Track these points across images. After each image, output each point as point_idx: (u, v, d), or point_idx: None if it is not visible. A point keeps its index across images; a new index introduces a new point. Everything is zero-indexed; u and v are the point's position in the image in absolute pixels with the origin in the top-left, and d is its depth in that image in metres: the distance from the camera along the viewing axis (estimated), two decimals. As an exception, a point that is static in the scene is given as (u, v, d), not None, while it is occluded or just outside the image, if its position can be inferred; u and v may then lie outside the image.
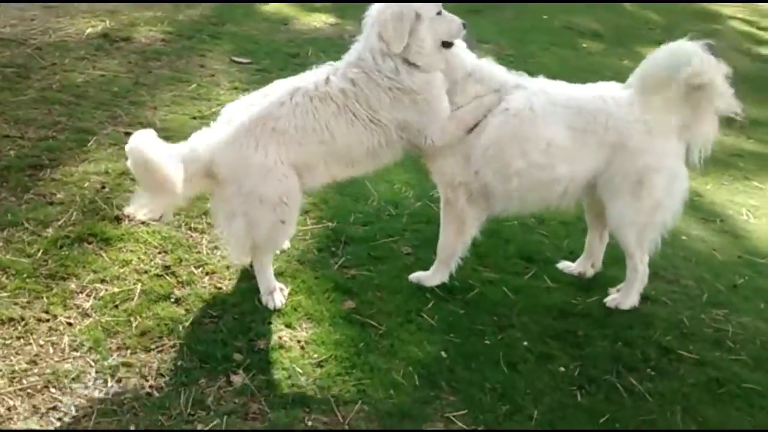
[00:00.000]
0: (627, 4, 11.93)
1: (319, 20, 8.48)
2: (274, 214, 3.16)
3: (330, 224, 4.01)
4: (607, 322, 3.44)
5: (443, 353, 3.10)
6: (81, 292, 3.25)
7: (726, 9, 12.25)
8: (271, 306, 3.25)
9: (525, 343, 3.22)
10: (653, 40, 9.69)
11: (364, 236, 3.93)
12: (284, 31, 7.89)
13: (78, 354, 2.90)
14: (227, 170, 3.14)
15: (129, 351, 2.94)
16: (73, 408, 2.63)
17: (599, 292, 3.66)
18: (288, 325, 3.16)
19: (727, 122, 6.81)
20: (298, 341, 3.08)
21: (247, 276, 3.48)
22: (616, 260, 3.78)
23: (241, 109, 3.26)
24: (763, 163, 5.85)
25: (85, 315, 3.11)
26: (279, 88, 3.33)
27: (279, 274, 3.50)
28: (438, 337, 3.20)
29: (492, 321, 3.36)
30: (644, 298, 3.67)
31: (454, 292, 3.53)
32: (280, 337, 3.07)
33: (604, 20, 9.90)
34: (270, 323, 3.16)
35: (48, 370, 2.77)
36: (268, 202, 3.14)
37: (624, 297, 3.53)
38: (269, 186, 3.14)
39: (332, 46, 7.45)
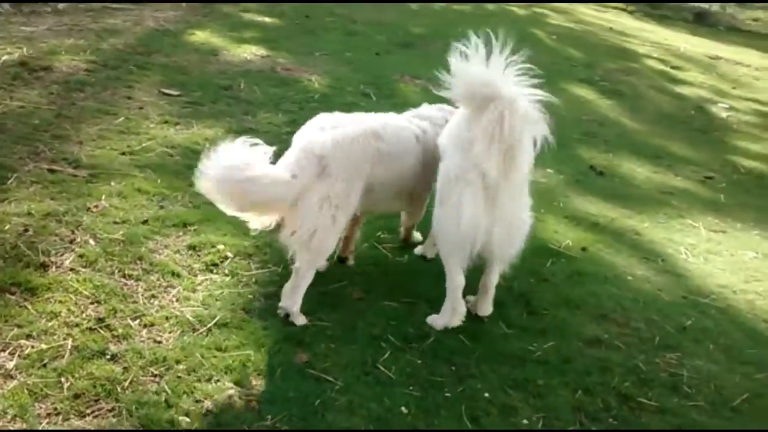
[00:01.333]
0: (547, 40, 12.29)
1: (249, 52, 8.34)
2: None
3: (276, 269, 3.82)
4: (564, 369, 3.37)
5: (404, 408, 2.94)
6: (3, 351, 2.93)
7: (641, 48, 12.81)
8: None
9: (486, 395, 3.10)
10: (576, 77, 10.02)
11: (312, 282, 3.73)
12: (215, 62, 7.69)
13: (0, 424, 2.58)
14: (339, 165, 3.38)
15: (61, 417, 2.65)
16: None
17: (555, 336, 3.60)
18: (237, 383, 2.93)
19: (655, 160, 7.03)
20: (249, 400, 2.85)
21: (190, 328, 3.24)
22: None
23: (346, 119, 3.64)
24: (693, 200, 6.01)
25: (9, 377, 2.80)
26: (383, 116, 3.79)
27: (223, 325, 3.28)
28: (397, 390, 3.04)
29: (451, 371, 3.23)
30: (598, 341, 3.65)
31: (409, 341, 3.39)
32: (229, 397, 2.84)
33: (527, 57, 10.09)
34: (218, 381, 2.93)
35: (-34, 445, 2.46)
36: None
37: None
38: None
39: (265, 80, 7.31)
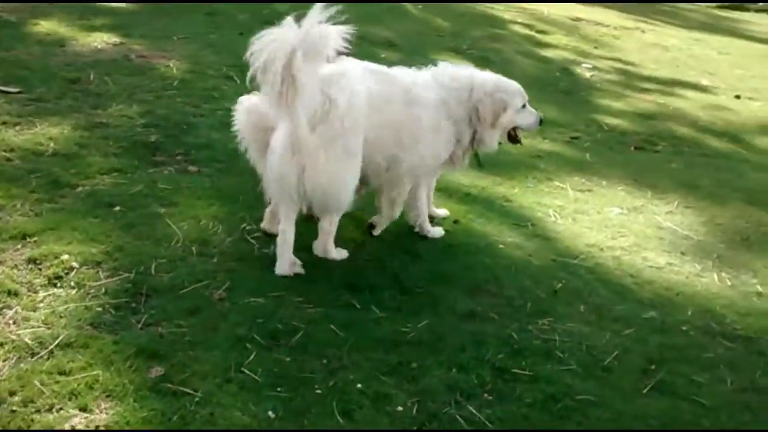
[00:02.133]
0: (414, 11, 12.25)
1: (101, 40, 7.75)
2: None
3: (128, 275, 3.52)
4: (439, 347, 3.29)
5: (271, 413, 2.76)
6: None
7: (506, 14, 13.00)
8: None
9: (359, 385, 2.97)
10: (445, 46, 10.03)
11: (169, 285, 3.49)
12: (61, 54, 7.09)
13: None
14: None
15: None
16: None
17: (428, 314, 3.52)
18: (83, 408, 2.65)
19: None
20: (97, 426, 2.59)
21: (29, 353, 2.92)
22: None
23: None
24: (561, 162, 6.11)
25: None
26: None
27: (67, 345, 2.98)
28: (264, 394, 2.86)
29: (322, 365, 3.08)
30: (472, 314, 3.60)
31: (277, 338, 3.21)
32: (72, 427, 2.57)
33: (395, 29, 10.02)
34: (60, 409, 2.64)
35: None
36: None
37: None
38: None
39: (118, 69, 6.82)
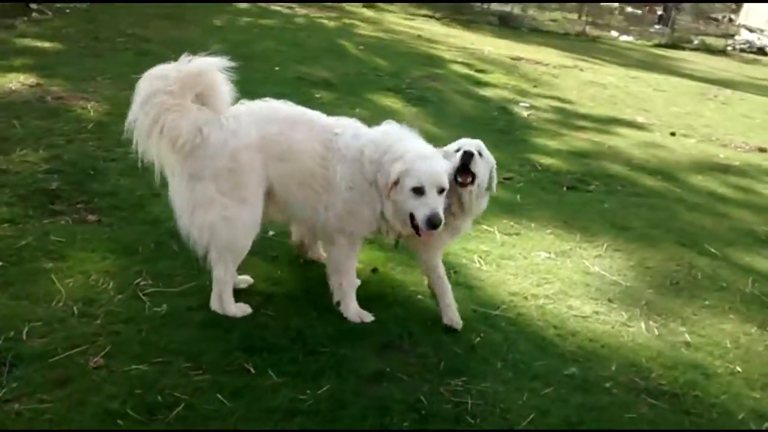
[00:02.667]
0: (354, 51, 12.16)
1: (17, 81, 7.38)
2: None
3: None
4: (338, 416, 3.01)
5: (133, 505, 2.43)
6: None
7: (447, 54, 13.00)
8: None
9: (242, 466, 2.67)
10: (383, 86, 9.90)
11: (40, 352, 3.13)
12: (-32, 96, 6.71)
13: None
14: None
15: None
16: None
17: (331, 378, 3.23)
18: None
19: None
20: None
21: None
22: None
23: None
24: (491, 204, 5.82)
25: None
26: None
27: None
28: (128, 482, 2.53)
29: (202, 443, 2.76)
30: (379, 376, 3.32)
31: (155, 412, 2.88)
32: None
33: (333, 69, 9.88)
34: None
35: None
36: None
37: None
38: None
39: (30, 112, 6.46)
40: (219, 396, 3.01)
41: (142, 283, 3.83)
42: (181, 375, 3.12)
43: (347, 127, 3.68)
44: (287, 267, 4.22)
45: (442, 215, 3.38)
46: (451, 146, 3.77)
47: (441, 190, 3.43)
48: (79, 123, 6.38)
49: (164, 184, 5.30)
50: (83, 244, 4.17)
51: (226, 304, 3.59)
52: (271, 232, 4.51)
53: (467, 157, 3.55)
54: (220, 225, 3.45)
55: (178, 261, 4.12)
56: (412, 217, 3.44)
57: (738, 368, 3.83)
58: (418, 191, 3.38)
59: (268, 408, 3.00)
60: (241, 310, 3.64)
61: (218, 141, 3.40)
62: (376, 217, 3.65)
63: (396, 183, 3.42)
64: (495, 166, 3.83)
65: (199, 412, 2.91)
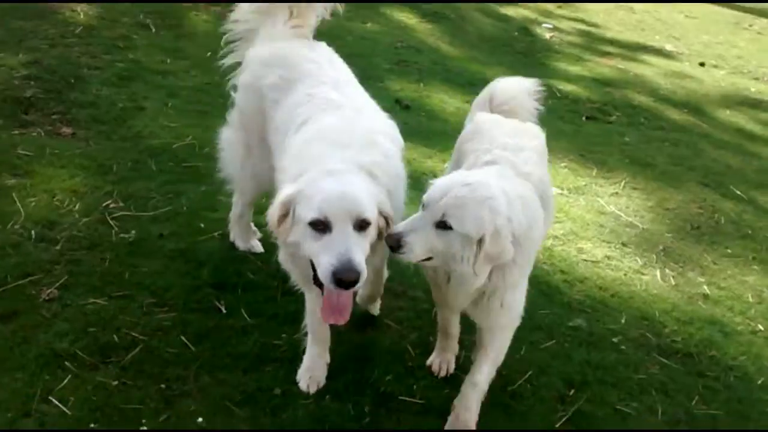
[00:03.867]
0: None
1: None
2: None
3: None
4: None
5: (73, 460, 2.17)
6: None
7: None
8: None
9: (200, 420, 2.39)
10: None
11: (-11, 279, 2.83)
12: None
13: None
14: None
15: None
16: None
17: (291, 328, 2.90)
18: None
19: (469, 88, 6.43)
20: None
21: None
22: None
23: None
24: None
25: None
26: None
27: None
28: None
29: (158, 392, 2.47)
30: (365, 321, 3.01)
31: (108, 354, 2.59)
32: None
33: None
34: None
35: None
36: None
37: None
38: None
39: (14, 11, 6.03)
40: (182, 338, 2.71)
41: (111, 205, 3.50)
42: (142, 312, 2.81)
43: None
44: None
45: (357, 264, 2.09)
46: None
47: (361, 225, 2.18)
48: (66, 26, 5.92)
49: (149, 96, 5.01)
50: (52, 159, 3.83)
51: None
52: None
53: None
54: None
55: (155, 182, 3.79)
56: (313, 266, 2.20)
57: (760, 326, 3.49)
58: (321, 227, 2.15)
59: (237, 353, 2.70)
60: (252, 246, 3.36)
61: None
62: None
63: (284, 216, 2.24)
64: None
65: (157, 356, 2.61)
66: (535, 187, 2.44)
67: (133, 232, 3.30)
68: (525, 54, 8.09)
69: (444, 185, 2.23)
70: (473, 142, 2.70)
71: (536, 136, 2.80)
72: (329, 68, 2.80)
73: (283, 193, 2.24)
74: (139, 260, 3.13)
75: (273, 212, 2.24)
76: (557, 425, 2.63)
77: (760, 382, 3.09)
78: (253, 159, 2.99)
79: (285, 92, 2.69)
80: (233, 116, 3.08)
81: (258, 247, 3.39)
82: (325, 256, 2.10)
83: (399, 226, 2.22)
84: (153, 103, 4.85)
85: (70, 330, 2.65)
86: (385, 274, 2.99)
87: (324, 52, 2.93)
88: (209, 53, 5.99)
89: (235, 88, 3.08)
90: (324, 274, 2.09)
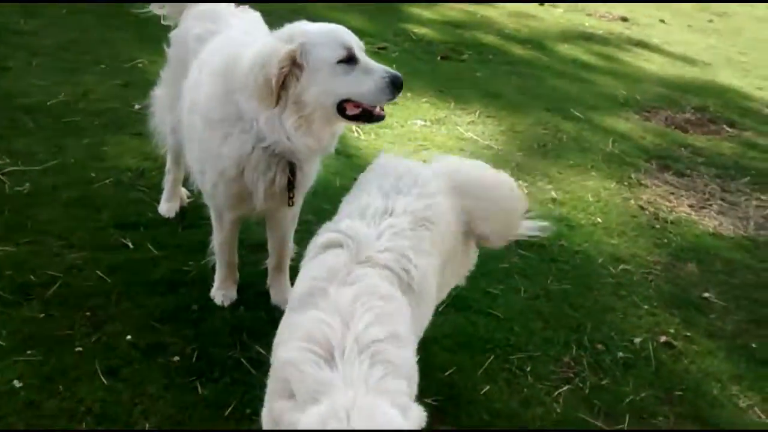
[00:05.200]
0: None
1: None
2: None
3: None
4: (224, 284, 3.00)
5: (17, 382, 2.36)
6: None
7: None
8: None
9: (128, 337, 2.63)
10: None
11: None
12: None
13: None
14: None
15: None
16: None
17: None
18: None
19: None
20: None
21: None
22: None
23: None
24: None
25: None
26: None
27: None
28: (8, 360, 2.44)
29: (84, 319, 2.69)
30: (262, 245, 3.31)
31: (29, 292, 2.76)
32: None
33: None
34: None
35: None
36: None
37: None
38: None
39: None
40: (97, 272, 2.92)
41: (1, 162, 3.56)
42: (53, 254, 2.98)
43: None
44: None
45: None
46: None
47: None
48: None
49: (12, 56, 4.93)
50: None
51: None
52: (137, 106, 4.26)
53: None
54: None
55: (37, 138, 3.86)
56: (341, 109, 2.42)
57: (598, 219, 4.13)
58: (348, 61, 2.36)
59: (151, 281, 2.95)
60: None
61: None
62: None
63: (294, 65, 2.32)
64: None
65: (77, 289, 2.81)
66: None
67: (27, 185, 3.41)
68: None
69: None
70: None
71: None
72: (252, 28, 2.89)
73: (277, 51, 2.28)
74: (38, 210, 3.26)
75: (267, 76, 2.27)
76: (440, 309, 3.08)
77: (600, 261, 3.71)
78: (174, 112, 3.02)
79: (204, 43, 2.81)
80: (164, 72, 3.21)
81: (170, 212, 3.43)
82: (369, 78, 2.36)
83: None
84: (17, 62, 4.82)
85: (-15, 275, 2.78)
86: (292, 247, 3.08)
87: (254, 15, 3.06)
88: (65, 10, 5.94)
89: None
90: (378, 88, 2.36)
